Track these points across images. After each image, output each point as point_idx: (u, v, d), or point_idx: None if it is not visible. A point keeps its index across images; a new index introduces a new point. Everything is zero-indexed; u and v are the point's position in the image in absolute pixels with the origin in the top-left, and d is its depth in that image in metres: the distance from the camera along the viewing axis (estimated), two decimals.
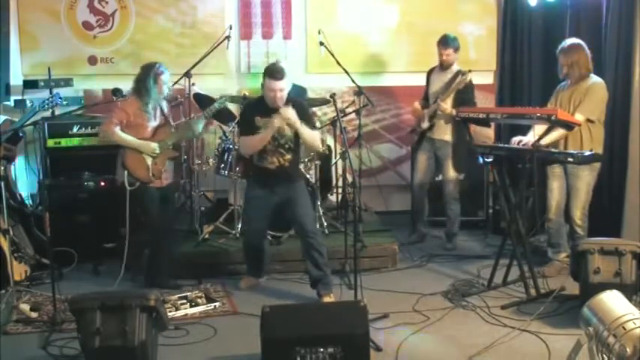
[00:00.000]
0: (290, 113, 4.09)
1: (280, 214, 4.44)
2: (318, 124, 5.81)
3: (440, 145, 5.44)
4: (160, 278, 4.50)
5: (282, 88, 4.11)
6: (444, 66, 5.37)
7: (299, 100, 4.43)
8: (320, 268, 4.27)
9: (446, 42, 5.30)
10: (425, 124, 5.42)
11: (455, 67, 5.36)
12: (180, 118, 5.66)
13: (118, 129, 4.33)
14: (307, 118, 4.25)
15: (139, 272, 4.62)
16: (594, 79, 4.50)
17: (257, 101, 4.31)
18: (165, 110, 4.57)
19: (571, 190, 4.58)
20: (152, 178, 4.39)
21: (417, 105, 5.53)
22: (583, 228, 4.59)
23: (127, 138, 4.33)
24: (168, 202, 4.60)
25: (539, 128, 4.34)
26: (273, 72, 4.10)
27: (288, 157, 4.27)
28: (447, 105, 5.25)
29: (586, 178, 4.50)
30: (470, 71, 5.20)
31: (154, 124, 4.45)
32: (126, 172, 4.34)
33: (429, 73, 5.55)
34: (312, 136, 4.22)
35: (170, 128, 4.53)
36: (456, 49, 5.33)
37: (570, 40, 4.60)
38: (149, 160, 4.38)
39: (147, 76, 4.35)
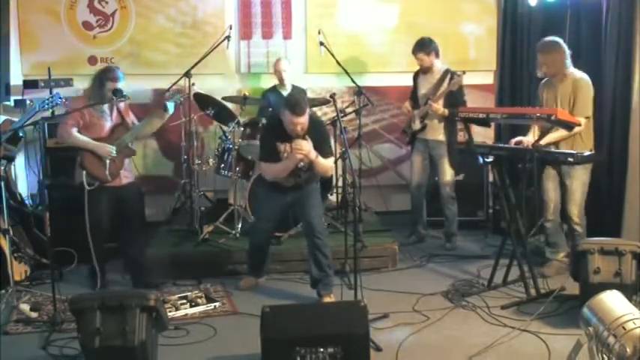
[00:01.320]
0: (305, 148, 4.04)
1: (286, 213, 4.44)
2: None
3: (434, 145, 5.45)
4: (140, 277, 4.52)
5: (303, 122, 4.03)
6: (424, 69, 5.37)
7: (318, 123, 4.35)
8: (322, 270, 4.28)
9: (416, 47, 5.29)
10: (416, 125, 5.43)
11: (440, 67, 5.36)
12: (181, 118, 5.68)
13: (74, 130, 4.34)
14: (324, 144, 4.21)
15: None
16: (578, 74, 4.50)
17: (276, 125, 4.17)
18: (122, 109, 4.55)
19: (566, 190, 4.59)
20: (110, 177, 4.38)
21: (407, 105, 5.53)
22: (581, 226, 4.59)
23: (83, 140, 4.33)
24: (127, 202, 4.53)
25: (538, 128, 4.34)
26: (295, 107, 3.97)
27: (305, 176, 4.25)
28: (438, 105, 5.25)
29: (581, 177, 4.51)
30: (464, 72, 5.19)
31: (110, 123, 4.45)
32: (84, 172, 4.32)
33: (416, 75, 5.56)
34: (324, 167, 4.20)
35: (127, 126, 4.51)
36: (429, 52, 5.27)
37: (548, 39, 4.59)
38: (107, 160, 4.37)
39: (103, 83, 4.34)
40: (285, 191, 4.30)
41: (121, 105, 4.53)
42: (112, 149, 4.36)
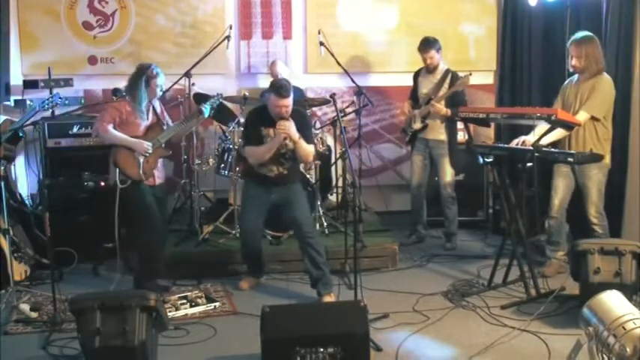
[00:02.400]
0: (291, 129, 4.16)
1: (279, 214, 4.46)
2: (317, 125, 5.82)
3: (434, 144, 5.45)
4: (153, 281, 4.45)
5: (288, 104, 4.17)
6: (430, 68, 5.38)
7: (301, 111, 4.49)
8: (319, 267, 4.28)
9: (425, 46, 5.29)
10: (417, 125, 5.43)
11: (442, 67, 5.37)
12: (180, 118, 5.67)
13: (111, 127, 4.30)
14: (306, 130, 4.34)
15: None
16: (604, 76, 4.44)
17: (261, 110, 4.35)
18: (158, 109, 4.55)
19: (582, 190, 4.56)
20: (143, 176, 4.36)
21: (407, 105, 5.54)
22: (601, 227, 4.54)
23: (121, 136, 4.30)
24: (160, 203, 4.51)
25: (540, 128, 4.33)
26: (280, 89, 4.13)
27: (287, 165, 4.35)
28: (440, 105, 5.26)
29: (596, 177, 4.48)
30: (470, 74, 5.19)
31: (146, 123, 4.43)
32: (117, 170, 4.29)
33: (416, 75, 5.56)
34: (305, 152, 4.30)
35: (162, 127, 4.50)
36: (439, 50, 5.31)
37: (584, 32, 4.50)
38: (141, 159, 4.34)
39: (140, 77, 4.33)
40: (269, 186, 4.34)
41: (157, 106, 4.53)
42: (149, 146, 4.33)
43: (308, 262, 4.31)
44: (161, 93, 4.44)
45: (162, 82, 4.40)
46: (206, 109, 4.49)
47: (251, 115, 4.52)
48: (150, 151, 4.33)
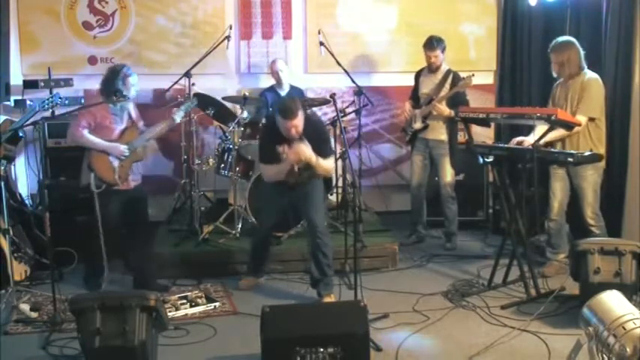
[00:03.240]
0: (305, 153, 4.04)
1: (287, 212, 4.46)
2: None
3: (434, 144, 5.45)
4: (145, 280, 4.47)
5: (297, 125, 4.03)
6: (432, 68, 5.38)
7: (315, 124, 4.31)
8: (322, 270, 4.28)
9: (432, 44, 5.29)
10: (418, 125, 5.43)
11: (444, 67, 5.37)
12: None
13: (86, 132, 4.34)
14: (323, 145, 4.20)
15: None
16: (588, 74, 4.47)
17: (274, 127, 4.15)
18: (134, 113, 4.56)
19: (578, 191, 4.57)
20: (118, 180, 4.37)
21: (408, 105, 5.54)
22: (598, 227, 4.55)
23: (96, 140, 4.33)
24: (137, 204, 4.53)
25: (540, 128, 4.33)
26: (285, 112, 4.00)
27: (305, 174, 4.24)
28: (443, 106, 5.26)
29: (591, 178, 4.48)
30: (473, 74, 5.19)
31: (121, 126, 4.45)
32: (92, 175, 4.31)
33: (417, 74, 5.56)
34: (325, 169, 4.20)
35: (137, 130, 4.52)
36: (443, 50, 5.32)
37: (561, 38, 4.58)
38: (115, 163, 4.37)
39: (116, 77, 4.35)
40: (286, 190, 4.30)
41: (132, 110, 4.55)
42: (124, 149, 4.35)
43: (312, 263, 4.31)
44: (135, 93, 4.46)
45: (136, 81, 4.44)
46: (178, 115, 4.52)
47: (264, 131, 4.46)
48: (126, 154, 4.36)
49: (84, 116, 4.34)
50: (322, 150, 4.17)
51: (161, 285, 4.54)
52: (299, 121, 4.04)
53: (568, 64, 4.46)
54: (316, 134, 4.19)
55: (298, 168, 4.15)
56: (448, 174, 5.45)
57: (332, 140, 4.66)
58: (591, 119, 4.41)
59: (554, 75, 4.61)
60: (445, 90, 5.27)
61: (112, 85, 4.34)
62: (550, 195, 4.70)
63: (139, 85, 4.54)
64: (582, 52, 4.48)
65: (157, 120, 4.76)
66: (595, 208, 4.54)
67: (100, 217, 4.31)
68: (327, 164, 4.21)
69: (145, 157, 4.76)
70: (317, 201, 4.32)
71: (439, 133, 5.40)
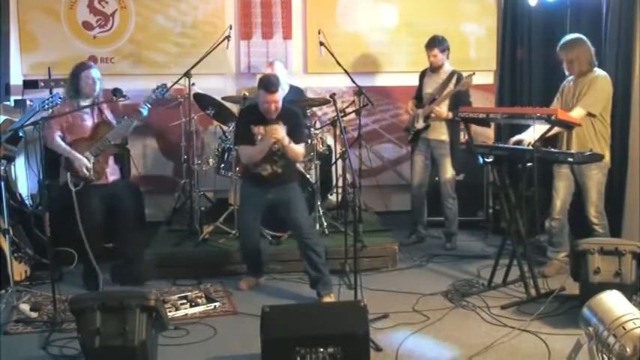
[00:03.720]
0: (279, 133, 4.15)
1: (278, 214, 4.46)
2: (317, 125, 5.82)
3: (435, 144, 5.45)
4: (131, 275, 4.58)
5: (277, 100, 4.17)
6: (434, 68, 5.38)
7: (293, 109, 4.44)
8: (317, 269, 4.29)
9: (431, 44, 5.31)
10: (419, 124, 5.43)
11: (448, 68, 5.38)
12: (181, 118, 5.68)
13: (57, 135, 4.45)
14: (297, 130, 4.31)
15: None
16: (598, 72, 4.45)
17: (252, 109, 4.34)
18: (104, 108, 4.64)
19: (582, 190, 4.56)
20: (95, 176, 4.44)
21: (410, 105, 5.54)
22: (601, 226, 4.54)
23: (64, 148, 4.44)
24: (118, 199, 4.59)
25: (538, 127, 4.32)
26: (268, 84, 4.13)
27: (281, 163, 4.31)
28: (444, 107, 5.26)
29: (595, 177, 4.47)
30: (474, 73, 5.19)
31: (91, 122, 4.52)
32: (69, 174, 4.38)
33: (422, 74, 5.57)
34: (294, 153, 4.28)
35: (110, 125, 4.57)
36: (443, 50, 5.32)
37: (571, 36, 4.56)
38: (91, 158, 4.45)
39: (77, 75, 4.42)
40: (265, 186, 4.34)
41: (103, 106, 4.63)
42: (85, 163, 4.43)
43: (307, 264, 4.32)
44: (99, 89, 4.51)
45: (98, 75, 4.50)
46: (144, 109, 4.57)
47: (242, 113, 4.57)
48: (89, 166, 4.44)
49: (56, 119, 4.41)
50: (296, 135, 4.28)
51: (147, 279, 4.62)
52: (279, 97, 4.19)
53: (578, 62, 4.43)
54: (292, 119, 4.29)
55: (274, 151, 4.23)
56: (449, 174, 5.45)
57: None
58: (592, 115, 4.39)
59: (566, 73, 4.58)
60: (448, 90, 5.26)
61: (75, 84, 4.44)
62: (553, 194, 4.69)
63: (101, 79, 4.57)
64: (593, 50, 4.46)
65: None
66: (599, 207, 4.53)
67: (82, 216, 4.33)
68: (298, 149, 4.30)
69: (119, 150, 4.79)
70: (298, 203, 4.36)
71: (440, 133, 5.41)
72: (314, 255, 4.27)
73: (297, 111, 4.53)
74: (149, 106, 4.61)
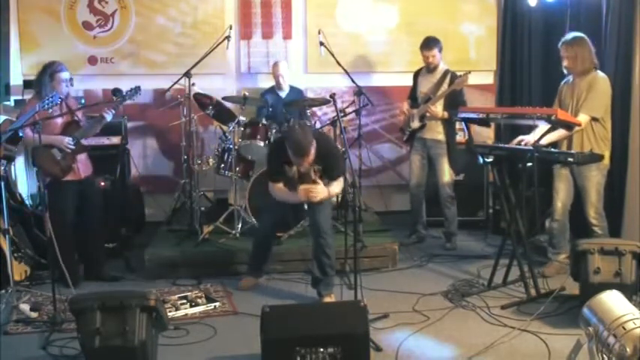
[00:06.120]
0: (317, 197, 4.08)
1: (287, 211, 4.49)
2: (317, 125, 5.81)
3: (432, 144, 5.45)
4: (96, 270, 4.68)
5: (310, 160, 4.02)
6: (430, 68, 5.39)
7: (328, 149, 4.19)
8: (324, 270, 4.28)
9: (428, 44, 5.31)
10: (415, 124, 5.44)
11: (442, 67, 5.38)
12: (181, 118, 5.67)
13: (29, 132, 4.43)
14: (333, 167, 4.19)
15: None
16: (597, 73, 4.45)
17: (284, 147, 4.08)
18: (74, 107, 4.66)
19: (581, 191, 4.56)
20: (61, 173, 4.49)
21: (405, 105, 5.55)
22: (601, 227, 4.54)
23: (45, 138, 4.40)
24: (88, 195, 4.65)
25: (541, 128, 4.32)
26: (298, 151, 3.95)
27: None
28: (439, 107, 5.26)
29: (594, 178, 4.47)
30: (469, 72, 5.20)
31: (61, 120, 4.54)
32: (40, 172, 4.39)
33: (416, 74, 5.58)
34: (333, 194, 4.29)
35: (79, 124, 4.62)
36: (441, 50, 5.35)
37: (573, 34, 4.55)
38: (58, 156, 4.48)
39: (44, 73, 4.45)
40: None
41: (71, 102, 4.68)
42: (69, 141, 4.46)
43: (315, 263, 4.30)
44: (67, 89, 4.54)
45: (67, 77, 4.51)
46: (108, 115, 4.56)
47: (274, 148, 4.40)
48: (71, 146, 4.47)
49: (28, 120, 4.40)
50: (332, 172, 4.19)
51: (111, 275, 4.71)
52: (312, 156, 4.01)
53: (581, 59, 4.42)
54: (327, 158, 4.16)
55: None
56: (446, 174, 5.45)
57: (344, 162, 4.49)
58: (594, 119, 4.40)
59: (565, 71, 4.58)
60: (443, 89, 5.27)
61: (41, 82, 4.45)
62: (553, 195, 4.69)
63: (69, 79, 4.56)
64: (593, 50, 4.46)
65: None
66: (598, 208, 4.53)
67: (55, 214, 4.26)
68: (336, 190, 4.27)
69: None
70: (323, 205, 4.30)
71: (436, 132, 5.41)
72: (324, 257, 4.25)
73: (332, 150, 4.29)
74: (114, 112, 4.61)
